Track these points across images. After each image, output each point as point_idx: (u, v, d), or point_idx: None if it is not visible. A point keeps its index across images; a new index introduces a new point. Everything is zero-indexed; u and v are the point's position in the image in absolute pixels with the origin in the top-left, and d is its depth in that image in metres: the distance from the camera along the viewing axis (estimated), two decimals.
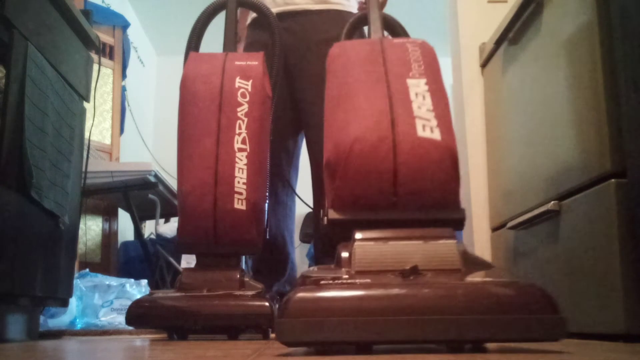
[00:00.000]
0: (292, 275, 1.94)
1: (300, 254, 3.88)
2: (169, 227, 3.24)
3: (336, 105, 1.14)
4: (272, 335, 1.43)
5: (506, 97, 1.85)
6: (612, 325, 1.16)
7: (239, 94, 1.50)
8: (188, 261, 2.78)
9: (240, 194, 1.44)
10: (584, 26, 1.30)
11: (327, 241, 1.72)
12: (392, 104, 1.09)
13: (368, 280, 0.86)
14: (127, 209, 3.07)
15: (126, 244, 3.59)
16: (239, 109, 1.49)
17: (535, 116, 1.58)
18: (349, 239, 1.02)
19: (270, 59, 1.69)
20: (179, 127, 1.51)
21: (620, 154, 1.18)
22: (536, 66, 1.59)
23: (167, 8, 4.43)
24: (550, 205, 1.41)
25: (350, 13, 1.90)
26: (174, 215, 3.41)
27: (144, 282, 2.28)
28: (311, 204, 1.91)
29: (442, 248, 0.98)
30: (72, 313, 1.99)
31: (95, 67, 1.87)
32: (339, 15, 1.88)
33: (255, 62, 1.56)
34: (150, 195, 3.05)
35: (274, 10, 1.82)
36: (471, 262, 0.97)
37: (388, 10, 1.64)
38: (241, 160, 1.46)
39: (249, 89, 1.51)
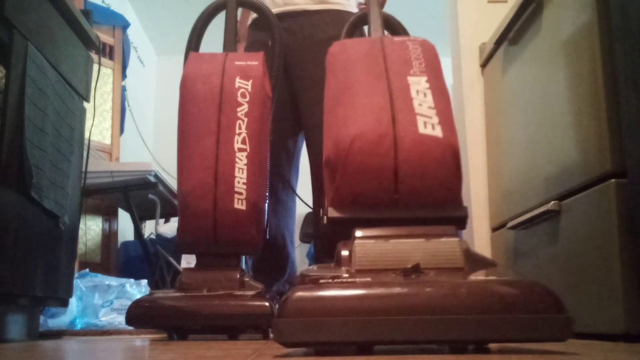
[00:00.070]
0: (292, 275, 1.94)
1: (300, 254, 3.88)
2: (169, 227, 3.24)
3: (336, 103, 1.13)
4: (272, 335, 1.43)
5: (506, 97, 1.85)
6: (612, 325, 1.16)
7: (239, 94, 1.50)
8: (188, 261, 2.78)
9: (240, 194, 1.44)
10: (584, 26, 1.30)
11: (327, 241, 1.72)
12: (392, 101, 1.07)
13: (369, 279, 0.84)
14: (127, 209, 3.07)
15: (126, 244, 3.59)
16: (239, 109, 1.49)
17: (535, 116, 1.58)
18: (349, 238, 1.01)
19: (270, 59, 1.69)
20: (179, 127, 1.51)
21: (620, 154, 1.18)
22: (536, 66, 1.59)
23: (167, 8, 4.43)
24: (550, 205, 1.41)
25: (350, 13, 1.90)
26: (174, 215, 3.41)
27: (144, 282, 2.28)
28: (311, 204, 1.91)
29: (444, 246, 0.96)
30: (72, 313, 1.99)
31: (95, 67, 1.87)
32: (339, 15, 1.88)
33: (255, 62, 1.56)
34: (150, 195, 3.05)
35: (274, 10, 1.82)
36: (474, 261, 0.95)
37: (388, 10, 1.64)
38: (241, 160, 1.46)
39: (249, 89, 1.51)
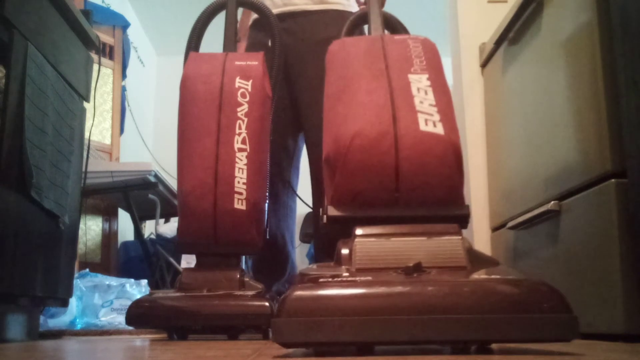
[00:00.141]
0: (292, 275, 1.94)
1: (300, 254, 3.88)
2: (169, 227, 3.23)
3: (336, 101, 1.12)
4: (272, 335, 1.43)
5: (506, 97, 1.85)
6: (612, 325, 1.16)
7: (239, 94, 1.50)
8: (188, 261, 2.78)
9: (240, 194, 1.44)
10: (584, 26, 1.30)
11: (326, 240, 1.72)
12: (393, 98, 1.06)
13: (369, 278, 0.83)
14: (127, 209, 3.07)
15: (126, 244, 3.59)
16: (239, 109, 1.49)
17: (535, 116, 1.58)
18: (349, 237, 0.99)
19: (270, 59, 1.69)
20: (179, 127, 1.51)
21: (620, 154, 1.18)
22: (536, 66, 1.59)
23: (167, 8, 4.43)
24: (550, 205, 1.41)
25: (349, 13, 1.89)
26: (174, 215, 3.41)
27: (144, 282, 2.28)
28: (311, 204, 1.91)
29: (446, 244, 0.94)
30: (72, 313, 1.99)
31: (95, 67, 1.87)
32: (339, 15, 1.88)
33: (255, 62, 1.56)
34: (150, 195, 3.05)
35: (274, 11, 1.82)
36: (477, 259, 0.93)
37: (388, 10, 1.63)
38: (241, 160, 1.46)
39: (249, 89, 1.51)
